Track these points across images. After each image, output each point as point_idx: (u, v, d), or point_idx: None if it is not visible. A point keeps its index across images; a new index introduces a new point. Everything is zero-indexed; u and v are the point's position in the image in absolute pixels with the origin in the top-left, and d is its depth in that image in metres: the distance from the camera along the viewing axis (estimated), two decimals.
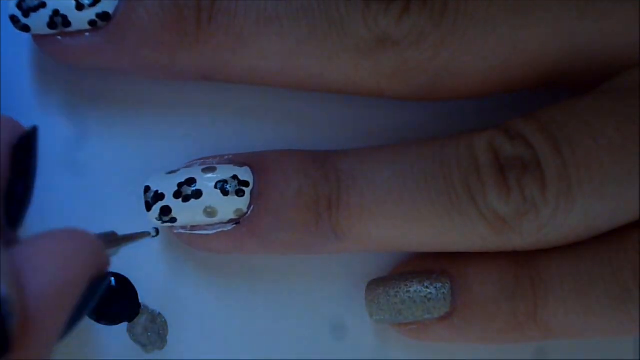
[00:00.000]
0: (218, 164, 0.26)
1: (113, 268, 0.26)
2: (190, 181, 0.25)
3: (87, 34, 0.25)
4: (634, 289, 0.25)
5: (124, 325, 0.27)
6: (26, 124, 0.26)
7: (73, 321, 0.20)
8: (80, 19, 0.25)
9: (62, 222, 0.26)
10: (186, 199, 0.25)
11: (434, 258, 0.27)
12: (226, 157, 0.26)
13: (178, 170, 0.26)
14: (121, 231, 0.26)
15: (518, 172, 0.24)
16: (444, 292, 0.26)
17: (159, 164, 0.27)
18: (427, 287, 0.26)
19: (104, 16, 0.25)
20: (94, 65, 0.26)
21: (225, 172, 0.25)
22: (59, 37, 0.25)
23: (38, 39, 0.25)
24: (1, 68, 0.27)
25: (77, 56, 0.25)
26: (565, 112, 0.25)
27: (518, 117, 0.25)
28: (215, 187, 0.25)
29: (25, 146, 0.21)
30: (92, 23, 0.25)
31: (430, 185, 0.25)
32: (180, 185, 0.25)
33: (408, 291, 0.26)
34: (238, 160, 0.26)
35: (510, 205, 0.24)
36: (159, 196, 0.25)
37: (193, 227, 0.26)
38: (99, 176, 0.27)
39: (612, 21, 0.25)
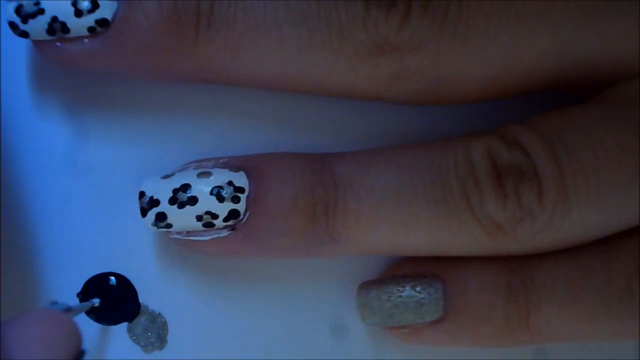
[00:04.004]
0: (213, 167, 0.26)
1: (113, 268, 0.27)
2: (185, 187, 0.25)
3: (86, 39, 0.25)
4: (628, 297, 0.25)
5: (124, 325, 0.27)
6: (26, 125, 0.27)
7: None
8: (79, 25, 0.25)
9: (62, 223, 0.27)
10: (181, 205, 0.25)
11: (426, 261, 0.27)
12: (221, 160, 0.26)
13: (173, 174, 0.26)
14: (120, 232, 0.27)
15: (515, 179, 0.24)
16: (436, 297, 0.26)
17: (158, 165, 0.27)
18: (419, 292, 0.26)
19: (103, 22, 0.25)
20: (93, 69, 0.26)
21: (220, 177, 0.25)
22: (58, 43, 0.25)
23: (37, 44, 0.25)
24: (1, 69, 0.27)
25: (76, 61, 0.25)
26: (564, 121, 0.25)
27: (516, 123, 0.25)
28: (211, 193, 0.25)
29: None
30: (91, 29, 0.25)
31: (427, 191, 0.25)
32: (175, 191, 0.25)
33: (400, 296, 0.26)
34: (233, 163, 0.26)
35: (507, 212, 0.24)
36: (154, 202, 0.25)
37: (189, 233, 0.26)
38: (99, 177, 0.27)
39: (613, 33, 0.25)
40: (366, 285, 0.27)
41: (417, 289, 0.26)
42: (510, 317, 0.26)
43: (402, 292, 0.26)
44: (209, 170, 0.26)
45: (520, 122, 0.25)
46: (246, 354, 0.27)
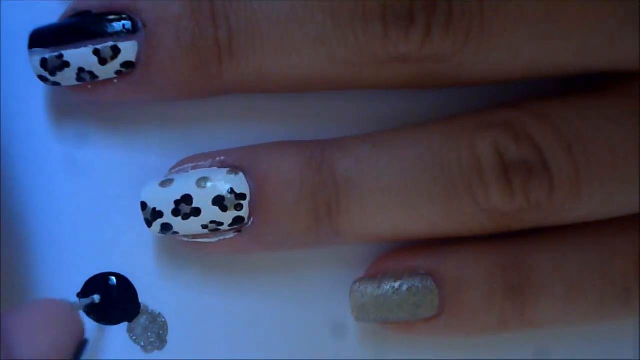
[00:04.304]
0: (210, 167, 0.26)
1: (113, 269, 0.27)
2: (187, 198, 0.25)
3: (115, 80, 0.25)
4: (624, 293, 0.25)
5: (124, 325, 0.27)
6: (27, 125, 0.27)
7: None
8: (106, 71, 0.25)
9: (62, 223, 0.27)
10: (185, 216, 0.25)
11: (420, 256, 0.27)
12: (217, 158, 0.26)
13: (172, 180, 0.26)
14: (121, 232, 0.27)
15: (523, 175, 0.24)
16: (432, 298, 0.26)
17: (158, 163, 0.27)
18: (415, 294, 0.26)
19: (128, 64, 0.25)
20: (123, 102, 0.26)
21: (220, 183, 0.25)
22: (89, 86, 0.25)
23: (69, 88, 0.26)
24: (2, 71, 0.27)
25: (107, 98, 0.26)
26: (580, 116, 0.25)
27: (523, 111, 0.25)
28: (214, 203, 0.25)
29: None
30: (118, 72, 0.25)
31: (431, 189, 0.25)
32: (177, 202, 0.25)
33: (396, 299, 0.26)
34: (230, 161, 0.26)
35: (514, 206, 0.25)
36: (158, 214, 0.25)
37: (195, 236, 0.26)
38: (98, 177, 0.27)
39: (635, 46, 0.24)
40: (360, 286, 0.27)
41: (413, 290, 0.26)
42: (505, 313, 0.26)
43: (398, 294, 0.26)
44: (207, 175, 0.25)
45: (528, 110, 0.25)
46: (246, 354, 0.27)
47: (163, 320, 0.27)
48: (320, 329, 0.28)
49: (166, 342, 0.27)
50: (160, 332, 0.27)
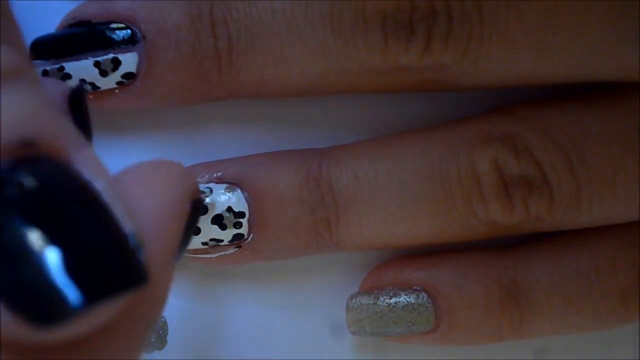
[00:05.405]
0: (208, 182, 0.26)
1: None
2: None
3: (116, 90, 0.25)
4: (622, 310, 0.26)
5: None
6: None
7: (183, 244, 0.20)
8: (107, 82, 0.25)
9: None
10: None
11: (416, 270, 0.27)
12: (215, 174, 0.26)
13: None
14: None
15: (523, 190, 0.24)
16: (427, 316, 0.26)
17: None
18: (411, 312, 0.26)
19: (129, 75, 0.25)
20: (125, 109, 0.26)
21: (218, 202, 0.25)
22: (91, 96, 0.25)
23: None
24: None
25: (109, 106, 0.26)
26: (582, 129, 0.25)
27: (524, 123, 0.25)
28: (212, 222, 0.25)
29: (79, 96, 0.22)
30: (119, 83, 0.25)
31: (431, 204, 0.25)
32: None
33: (392, 317, 0.26)
34: (227, 177, 0.26)
35: (514, 220, 0.25)
36: None
37: (196, 251, 0.26)
38: None
39: (635, 60, 0.24)
40: (356, 302, 0.27)
41: (409, 308, 0.26)
42: (502, 328, 0.26)
43: (394, 311, 0.26)
44: (204, 189, 0.26)
45: (528, 121, 0.25)
46: (246, 354, 0.28)
47: (163, 320, 0.27)
48: (320, 329, 0.28)
49: (166, 342, 0.27)
50: (160, 332, 0.27)
